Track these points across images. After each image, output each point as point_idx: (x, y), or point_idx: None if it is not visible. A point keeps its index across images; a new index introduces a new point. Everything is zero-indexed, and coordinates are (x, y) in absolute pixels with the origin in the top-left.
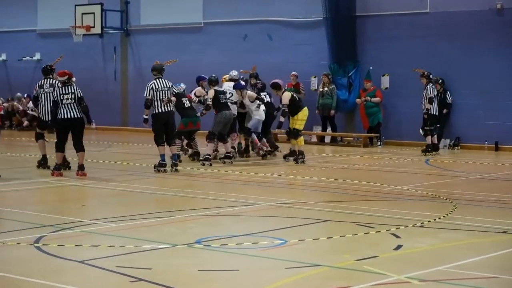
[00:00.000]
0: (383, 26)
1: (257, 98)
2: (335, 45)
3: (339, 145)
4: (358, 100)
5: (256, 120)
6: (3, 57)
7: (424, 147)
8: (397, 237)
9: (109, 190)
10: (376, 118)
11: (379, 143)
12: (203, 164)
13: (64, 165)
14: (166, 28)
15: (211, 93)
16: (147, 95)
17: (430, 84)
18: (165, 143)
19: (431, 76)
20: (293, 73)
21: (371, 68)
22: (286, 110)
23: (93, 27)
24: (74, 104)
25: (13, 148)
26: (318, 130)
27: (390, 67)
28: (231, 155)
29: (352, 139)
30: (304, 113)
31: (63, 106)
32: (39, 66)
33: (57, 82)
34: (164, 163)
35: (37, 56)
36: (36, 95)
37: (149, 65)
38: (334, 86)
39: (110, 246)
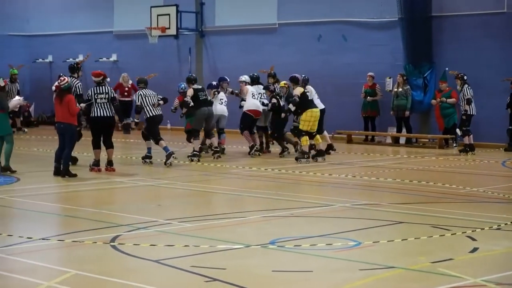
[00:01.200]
0: (459, 26)
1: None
2: (410, 46)
3: (414, 146)
4: (433, 101)
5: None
6: (80, 58)
7: (462, 147)
8: (473, 239)
9: (184, 190)
10: (452, 119)
11: (454, 145)
12: (192, 160)
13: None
14: (241, 29)
15: (190, 91)
16: (137, 102)
17: (466, 86)
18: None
19: (465, 77)
20: (369, 73)
21: (446, 69)
22: (297, 99)
23: (169, 28)
24: (107, 103)
25: (91, 148)
26: (393, 131)
27: (466, 68)
28: (218, 149)
29: (427, 140)
30: (308, 114)
31: (97, 105)
32: (115, 67)
33: (76, 81)
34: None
35: (113, 57)
36: None
37: (224, 66)
38: (409, 86)
39: (185, 246)
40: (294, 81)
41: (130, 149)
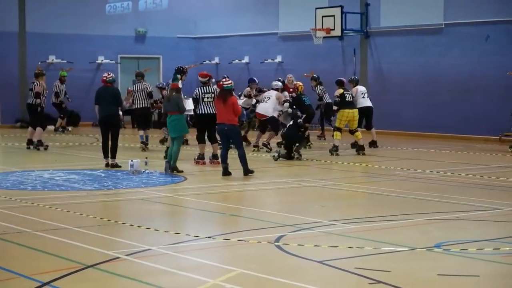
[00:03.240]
0: None
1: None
2: None
3: None
4: None
5: None
6: (246, 59)
7: None
8: None
9: (348, 191)
10: None
11: None
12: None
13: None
14: (406, 30)
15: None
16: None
17: None
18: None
19: None
20: None
21: None
22: (337, 100)
23: (333, 29)
24: (212, 102)
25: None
26: None
27: None
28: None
29: None
30: (342, 113)
31: (203, 104)
32: (280, 69)
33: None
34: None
35: (278, 59)
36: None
37: (389, 68)
38: None
39: (349, 247)
40: (338, 83)
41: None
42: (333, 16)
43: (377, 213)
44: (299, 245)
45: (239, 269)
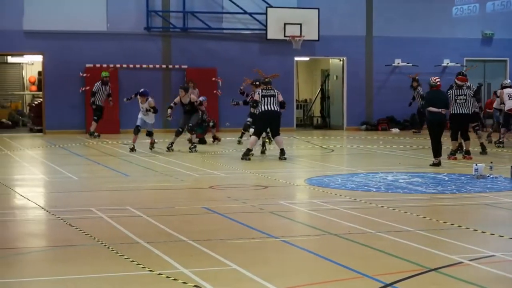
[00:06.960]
0: None
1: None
2: None
3: None
4: None
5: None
6: None
7: None
8: None
9: None
10: None
11: None
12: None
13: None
14: None
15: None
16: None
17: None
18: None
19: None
20: None
21: None
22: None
23: None
24: (465, 103)
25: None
26: None
27: None
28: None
29: None
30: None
31: (456, 104)
32: None
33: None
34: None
35: None
36: None
37: None
38: None
39: None
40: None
41: None
42: None
43: None
44: None
45: None
